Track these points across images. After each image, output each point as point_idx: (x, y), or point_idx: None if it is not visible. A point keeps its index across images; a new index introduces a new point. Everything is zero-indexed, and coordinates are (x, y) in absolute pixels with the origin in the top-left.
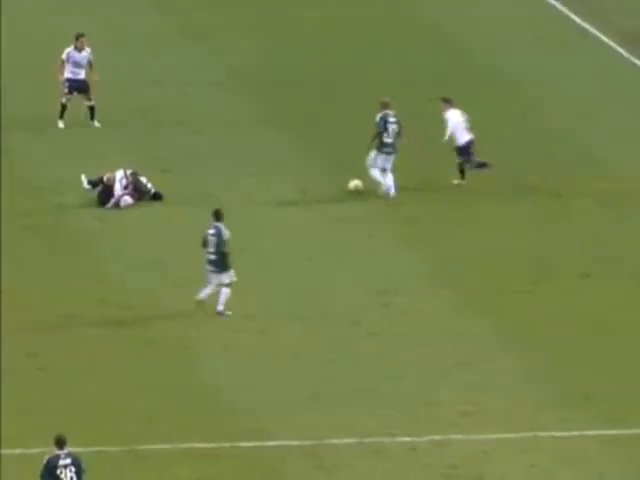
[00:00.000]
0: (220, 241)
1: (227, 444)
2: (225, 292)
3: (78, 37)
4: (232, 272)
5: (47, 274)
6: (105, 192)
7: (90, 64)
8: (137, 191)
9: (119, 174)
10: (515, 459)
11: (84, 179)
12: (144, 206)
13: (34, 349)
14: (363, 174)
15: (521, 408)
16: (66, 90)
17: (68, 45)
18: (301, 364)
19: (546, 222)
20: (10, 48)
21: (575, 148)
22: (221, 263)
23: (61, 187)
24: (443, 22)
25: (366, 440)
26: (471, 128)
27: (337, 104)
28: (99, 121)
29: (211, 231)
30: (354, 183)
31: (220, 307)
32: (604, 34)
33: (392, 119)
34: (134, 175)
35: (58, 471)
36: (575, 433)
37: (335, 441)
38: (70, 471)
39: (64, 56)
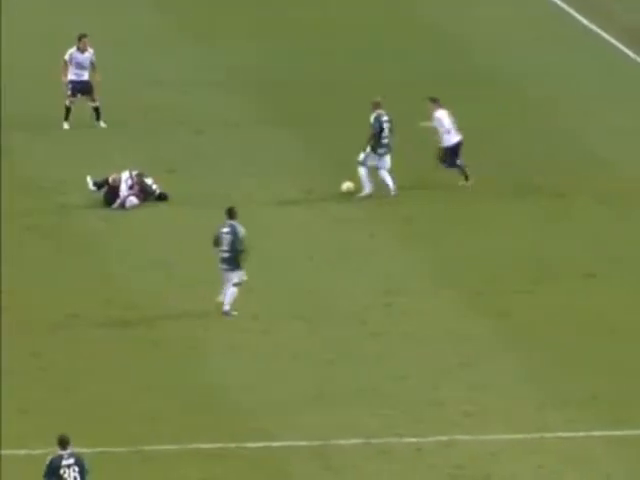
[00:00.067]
0: (235, 239)
1: (233, 444)
2: (232, 292)
3: (80, 38)
4: (243, 272)
5: (52, 274)
6: (111, 193)
7: (93, 65)
8: (143, 192)
9: (125, 175)
10: (522, 460)
11: (89, 180)
12: (149, 207)
13: (38, 349)
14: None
15: (526, 408)
16: (69, 93)
17: (68, 45)
18: (306, 364)
19: (548, 222)
20: (11, 48)
21: (577, 147)
22: (234, 261)
23: (65, 187)
24: (443, 22)
25: (372, 441)
26: (459, 129)
27: (337, 104)
28: (105, 121)
29: (225, 229)
30: (346, 185)
31: (226, 307)
32: (606, 32)
33: (385, 118)
34: (140, 176)
35: (61, 471)
36: (581, 434)
37: (341, 442)
38: (74, 471)
39: (67, 57)
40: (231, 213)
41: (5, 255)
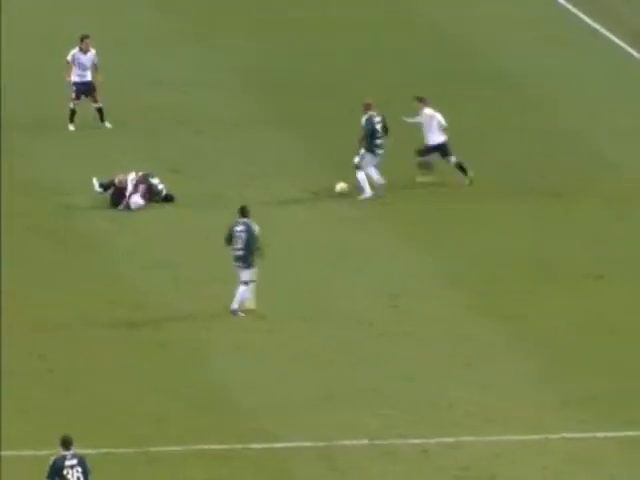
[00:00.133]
0: (251, 237)
1: (238, 445)
2: (241, 291)
3: (83, 39)
4: (254, 270)
5: (57, 275)
6: (117, 194)
7: (95, 66)
8: (149, 192)
9: (131, 176)
10: (527, 461)
11: (95, 182)
12: (155, 207)
13: (45, 350)
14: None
15: (532, 410)
16: (74, 95)
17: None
18: (311, 365)
19: (551, 223)
20: (11, 48)
21: (582, 148)
22: (248, 259)
23: (70, 188)
24: (443, 22)
25: (377, 442)
26: (445, 129)
27: (337, 104)
28: (109, 122)
29: (239, 227)
30: (340, 185)
31: (234, 306)
32: (614, 34)
33: (377, 119)
34: (146, 177)
35: (65, 471)
36: (587, 435)
37: (347, 442)
38: (77, 472)
39: (69, 58)
40: (244, 211)
41: (11, 256)
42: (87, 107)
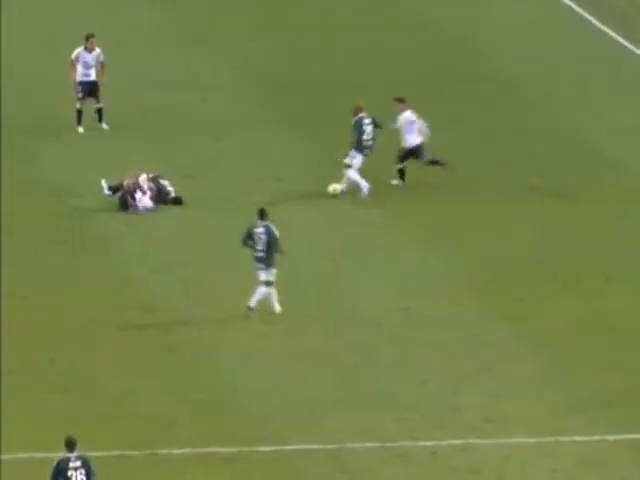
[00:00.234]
0: (271, 239)
1: (248, 448)
2: (262, 292)
3: (88, 38)
4: (274, 271)
5: (68, 278)
6: (126, 197)
7: (102, 65)
8: (158, 194)
9: (141, 178)
10: (537, 464)
11: (104, 185)
12: (165, 210)
13: (54, 353)
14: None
15: (543, 413)
16: (80, 95)
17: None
18: (323, 368)
19: (552, 222)
20: (13, 48)
21: (584, 147)
22: (268, 260)
23: (80, 191)
24: (443, 22)
25: (388, 444)
26: (422, 131)
27: (337, 104)
28: (107, 123)
29: (259, 230)
30: (332, 187)
31: (252, 303)
32: (614, 31)
33: (367, 120)
34: (156, 178)
35: (69, 473)
36: (597, 438)
37: (357, 445)
38: (80, 474)
39: (73, 56)
40: (263, 214)
41: (20, 258)
42: (90, 107)
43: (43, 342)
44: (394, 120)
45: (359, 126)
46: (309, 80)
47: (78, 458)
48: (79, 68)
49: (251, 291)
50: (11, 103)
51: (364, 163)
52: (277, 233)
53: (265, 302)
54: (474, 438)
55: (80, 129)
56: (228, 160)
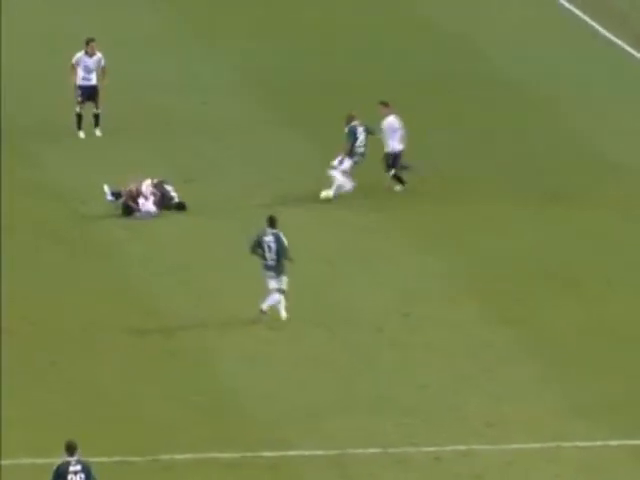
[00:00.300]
0: (280, 247)
1: (250, 454)
2: (275, 298)
3: (88, 42)
4: (285, 279)
5: (70, 282)
6: (129, 202)
7: (104, 70)
8: (162, 199)
9: (145, 183)
10: (539, 469)
11: (107, 190)
12: (167, 215)
13: (56, 357)
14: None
15: (545, 418)
16: (79, 99)
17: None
18: (323, 373)
19: (572, 232)
20: (13, 49)
21: (585, 149)
22: (279, 268)
23: (84, 196)
24: (443, 22)
25: (390, 450)
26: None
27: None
28: (102, 130)
29: (268, 238)
30: (325, 193)
31: (264, 307)
32: (615, 34)
33: (360, 129)
34: (161, 183)
35: (69, 477)
36: (599, 443)
37: (359, 451)
38: (80, 478)
39: (74, 61)
40: (272, 221)
41: (23, 262)
42: (88, 111)
43: (45, 346)
44: (381, 123)
45: (353, 133)
46: (309, 80)
47: (78, 462)
48: (80, 72)
49: (258, 296)
50: (11, 105)
51: (352, 168)
52: (286, 241)
53: (271, 307)
54: (476, 444)
55: (81, 134)
56: (228, 161)
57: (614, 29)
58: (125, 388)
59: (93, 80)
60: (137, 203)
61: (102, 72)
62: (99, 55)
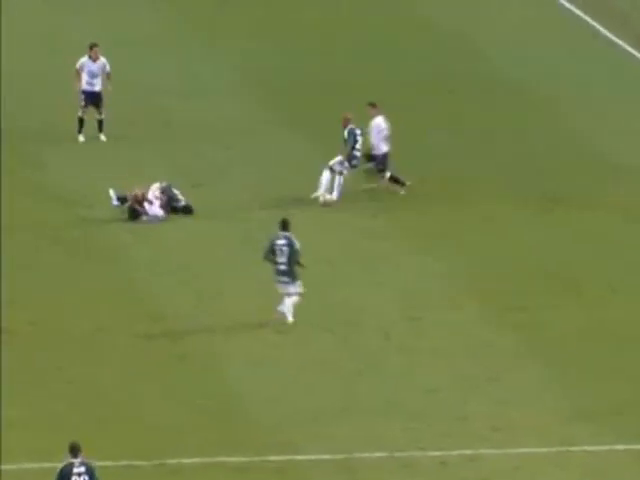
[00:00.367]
0: (292, 251)
1: (257, 458)
2: (294, 301)
3: (92, 47)
4: (300, 282)
5: (77, 287)
6: (136, 206)
7: (108, 75)
8: (168, 203)
9: (152, 187)
10: (546, 474)
11: (113, 195)
12: (174, 219)
13: (63, 362)
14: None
15: (552, 422)
16: (82, 103)
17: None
18: (330, 377)
19: (573, 234)
20: (13, 49)
21: (585, 149)
22: (292, 273)
23: (90, 200)
24: (443, 22)
25: (396, 454)
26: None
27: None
28: (106, 135)
29: (281, 241)
30: (324, 198)
31: (290, 317)
32: (616, 35)
33: (358, 131)
34: (167, 188)
35: (73, 479)
36: (606, 447)
37: (366, 455)
38: (84, 479)
39: (78, 66)
40: (285, 225)
41: (30, 267)
42: (92, 116)
43: (50, 350)
44: (370, 122)
45: (353, 136)
46: (309, 80)
47: (82, 464)
48: (84, 77)
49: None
50: (11, 105)
51: (350, 173)
52: (299, 245)
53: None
54: (483, 448)
55: (81, 138)
56: (228, 161)
57: (614, 29)
58: (132, 392)
59: (97, 86)
60: (144, 207)
61: (107, 78)
62: (103, 60)
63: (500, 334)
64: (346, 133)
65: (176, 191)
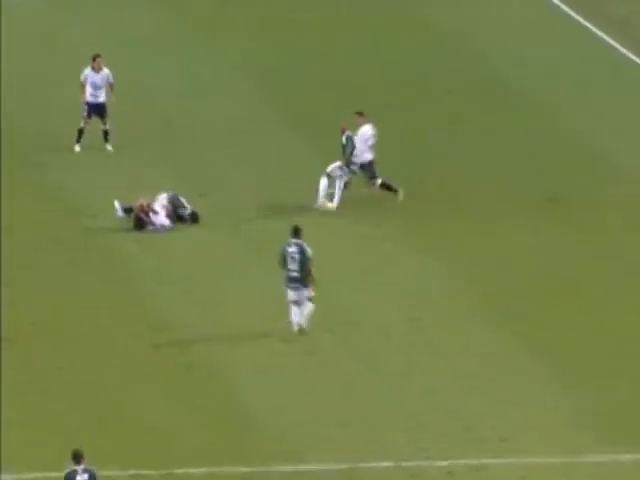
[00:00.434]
0: (304, 258)
1: (263, 468)
2: (309, 308)
3: (95, 58)
4: (310, 289)
5: (83, 297)
6: (141, 215)
7: (111, 86)
8: (174, 212)
9: (159, 198)
10: None
11: (117, 206)
12: (179, 229)
13: (63, 362)
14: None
15: (558, 430)
16: (85, 114)
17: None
18: (336, 385)
19: (573, 234)
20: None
21: (585, 149)
22: (303, 280)
23: (95, 210)
24: (443, 22)
25: (403, 464)
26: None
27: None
28: (112, 145)
29: (292, 249)
30: (325, 204)
31: (305, 325)
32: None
33: (355, 137)
34: (174, 197)
35: None
36: (615, 457)
37: (372, 464)
38: None
39: (82, 78)
40: (297, 232)
41: (35, 276)
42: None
43: (51, 351)
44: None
45: (352, 141)
46: (309, 80)
47: (85, 471)
48: (88, 88)
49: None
50: (11, 105)
51: (350, 179)
52: (310, 252)
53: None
54: (489, 458)
55: (77, 148)
56: (229, 163)
57: (613, 34)
58: (138, 402)
59: (101, 97)
60: (149, 217)
61: (110, 89)
62: (106, 71)
63: (500, 334)
64: (344, 139)
65: (182, 200)
